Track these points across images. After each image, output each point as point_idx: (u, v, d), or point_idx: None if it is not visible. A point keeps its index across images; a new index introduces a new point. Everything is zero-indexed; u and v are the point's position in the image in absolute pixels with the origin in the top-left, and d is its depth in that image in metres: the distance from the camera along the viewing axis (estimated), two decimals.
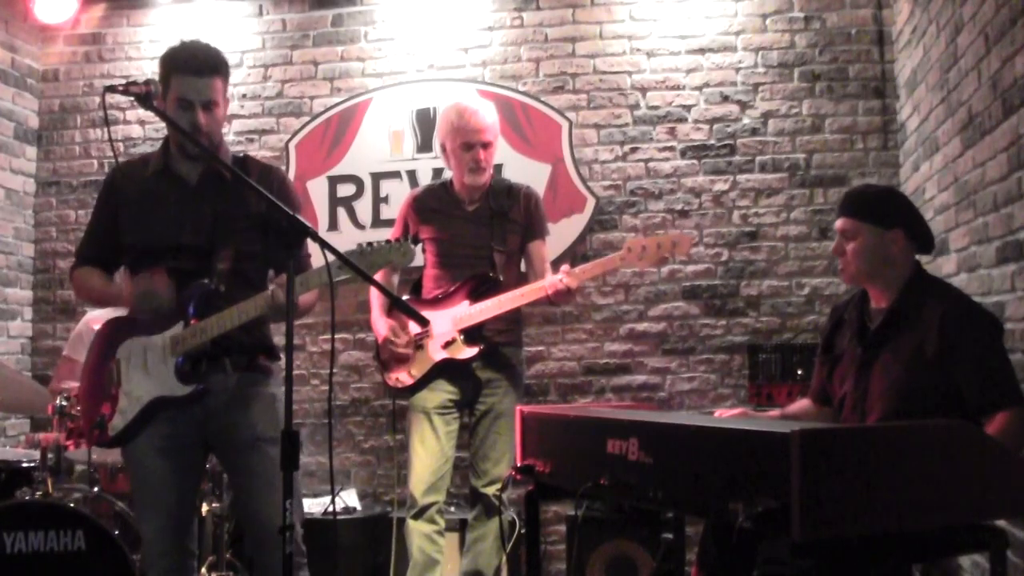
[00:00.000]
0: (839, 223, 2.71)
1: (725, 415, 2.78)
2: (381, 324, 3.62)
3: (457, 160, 3.61)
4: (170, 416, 2.64)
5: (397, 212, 3.80)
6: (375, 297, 3.69)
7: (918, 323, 2.54)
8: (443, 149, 3.67)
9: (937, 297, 2.58)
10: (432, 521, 3.52)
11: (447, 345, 3.50)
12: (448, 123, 3.62)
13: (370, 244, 2.54)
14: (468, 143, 3.55)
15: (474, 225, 3.61)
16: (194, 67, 2.62)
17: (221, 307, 2.60)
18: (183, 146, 2.69)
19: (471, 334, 3.50)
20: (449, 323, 3.49)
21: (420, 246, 3.72)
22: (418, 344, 3.55)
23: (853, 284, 2.79)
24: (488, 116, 3.61)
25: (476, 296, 3.51)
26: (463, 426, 3.64)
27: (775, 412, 3.03)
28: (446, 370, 3.53)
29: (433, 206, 3.67)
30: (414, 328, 3.55)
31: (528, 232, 3.68)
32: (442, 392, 3.54)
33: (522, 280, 3.63)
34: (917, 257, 2.69)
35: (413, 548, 3.53)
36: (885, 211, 2.65)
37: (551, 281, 3.40)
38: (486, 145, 3.57)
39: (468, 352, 3.49)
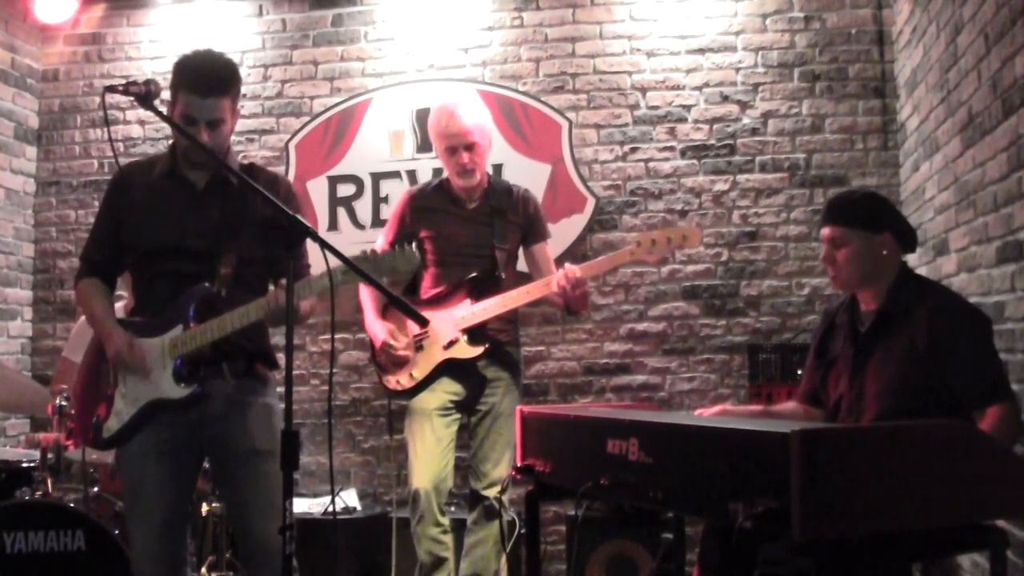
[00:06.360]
0: (827, 232, 2.70)
1: (705, 414, 2.77)
2: (378, 327, 3.55)
3: (445, 163, 3.61)
4: (166, 420, 2.61)
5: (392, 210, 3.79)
6: (368, 299, 3.63)
7: (908, 322, 2.56)
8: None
9: (925, 295, 2.60)
10: (436, 523, 3.51)
11: (449, 345, 3.49)
12: (431, 128, 3.64)
13: (374, 251, 2.53)
14: (451, 147, 3.53)
15: (474, 224, 3.59)
16: (200, 88, 2.55)
17: (222, 311, 2.57)
18: (187, 155, 2.65)
19: (475, 333, 3.48)
20: (450, 323, 3.47)
21: (415, 245, 3.69)
22: (418, 345, 3.53)
23: (845, 291, 2.79)
24: (469, 117, 3.54)
25: (477, 295, 3.49)
26: (462, 426, 3.63)
27: (757, 407, 3.02)
28: (448, 370, 3.50)
29: (431, 205, 3.65)
30: (413, 329, 3.51)
31: (530, 235, 3.67)
32: (443, 393, 3.52)
33: (522, 280, 3.62)
34: (904, 257, 2.72)
35: (421, 551, 3.51)
36: (872, 215, 2.67)
37: (558, 276, 3.37)
38: (470, 146, 3.51)
39: (473, 351, 3.46)
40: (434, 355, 3.50)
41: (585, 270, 3.41)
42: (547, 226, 3.75)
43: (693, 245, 3.52)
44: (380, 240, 3.74)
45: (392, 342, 3.50)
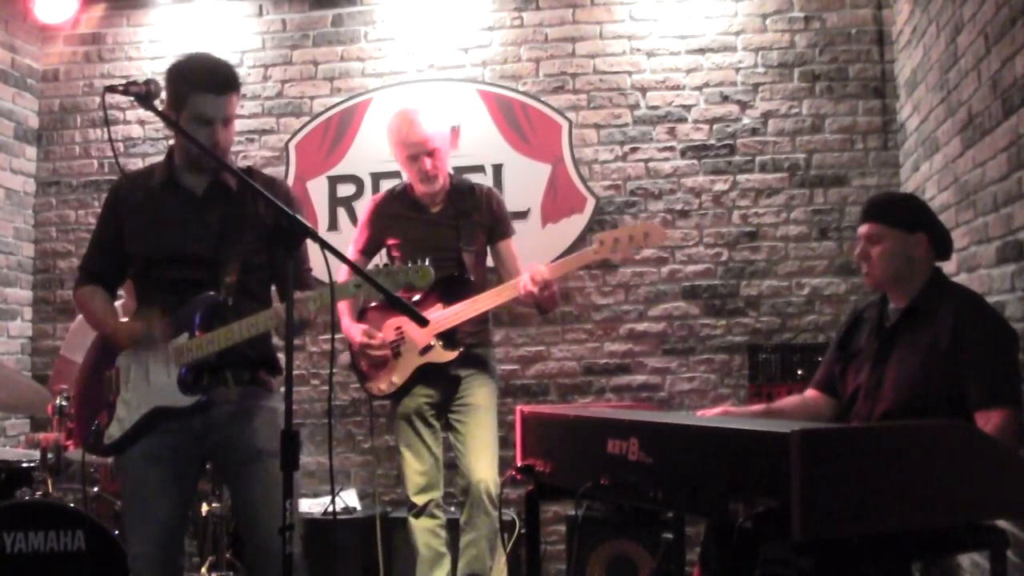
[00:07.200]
0: (864, 229, 2.74)
1: (707, 414, 2.78)
2: (355, 330, 3.59)
3: (407, 171, 3.64)
4: (169, 428, 2.59)
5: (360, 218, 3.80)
6: (343, 305, 3.65)
7: (934, 320, 2.58)
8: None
9: (956, 296, 2.63)
10: (433, 516, 3.57)
11: (425, 351, 3.51)
12: (391, 136, 3.66)
13: (387, 265, 2.57)
14: (412, 155, 3.57)
15: (440, 228, 3.61)
16: (214, 85, 2.57)
17: (227, 320, 2.56)
18: (191, 157, 2.65)
19: (448, 337, 3.51)
20: (424, 329, 3.47)
21: (386, 251, 3.72)
22: (396, 352, 3.56)
23: (877, 288, 2.82)
24: (428, 124, 3.58)
25: (448, 299, 3.51)
26: (444, 426, 3.66)
27: (759, 407, 3.03)
28: (425, 375, 3.55)
29: (396, 211, 3.67)
30: (389, 333, 3.54)
31: (495, 232, 3.69)
32: (421, 397, 3.57)
33: (494, 280, 3.63)
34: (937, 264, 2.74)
35: (419, 544, 3.56)
36: (909, 215, 2.71)
37: (524, 279, 3.40)
38: (431, 153, 3.55)
39: (448, 356, 3.51)
40: (411, 361, 3.54)
41: (552, 271, 3.44)
42: (511, 223, 3.79)
43: (657, 242, 3.56)
44: (350, 248, 3.73)
45: (370, 342, 3.53)
